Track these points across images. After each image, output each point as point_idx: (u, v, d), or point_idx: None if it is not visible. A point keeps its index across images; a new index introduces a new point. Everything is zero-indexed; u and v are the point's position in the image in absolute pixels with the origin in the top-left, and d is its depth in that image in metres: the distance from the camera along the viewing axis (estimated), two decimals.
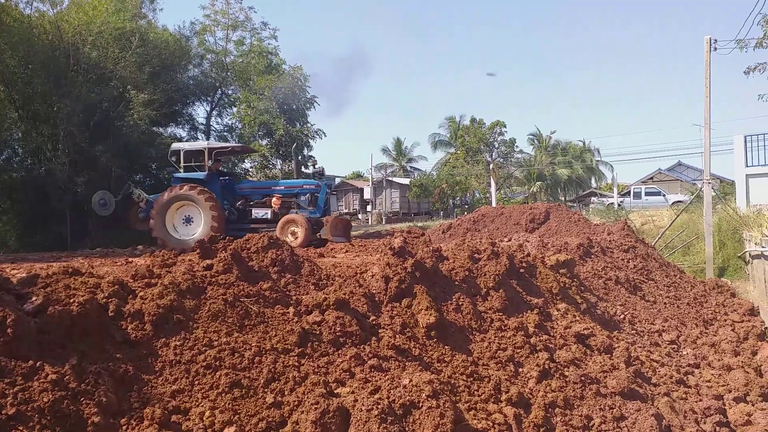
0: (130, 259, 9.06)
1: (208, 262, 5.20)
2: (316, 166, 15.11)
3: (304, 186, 14.85)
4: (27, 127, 20.04)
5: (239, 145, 14.59)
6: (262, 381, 3.95)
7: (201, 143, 15.26)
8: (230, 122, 29.01)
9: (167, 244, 13.31)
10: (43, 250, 14.88)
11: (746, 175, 19.92)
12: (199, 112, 29.04)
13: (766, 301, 11.99)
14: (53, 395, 3.16)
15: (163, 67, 23.46)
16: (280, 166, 26.70)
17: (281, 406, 3.82)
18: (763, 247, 12.13)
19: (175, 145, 15.33)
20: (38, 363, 3.31)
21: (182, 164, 14.79)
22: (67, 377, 3.31)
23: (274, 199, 14.36)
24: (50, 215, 19.47)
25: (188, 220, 13.81)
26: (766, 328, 9.11)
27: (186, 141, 14.60)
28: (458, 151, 49.17)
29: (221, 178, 15.18)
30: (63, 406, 3.16)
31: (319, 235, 13.32)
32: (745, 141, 20.05)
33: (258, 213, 14.50)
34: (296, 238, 13.06)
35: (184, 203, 13.74)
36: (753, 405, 6.18)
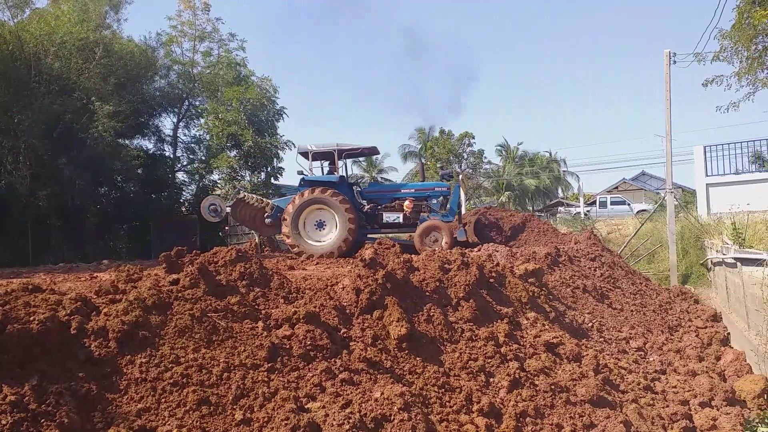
0: (94, 275, 8.81)
1: (175, 276, 5.11)
2: (446, 168, 14.44)
3: (436, 188, 14.33)
4: None
5: (368, 146, 13.96)
6: (230, 397, 3.89)
7: (330, 144, 14.51)
8: (198, 133, 28.66)
9: (302, 250, 12.81)
10: (3, 265, 14.39)
11: (706, 184, 20.49)
12: (166, 123, 28.50)
13: (728, 306, 12.32)
14: (12, 417, 3.05)
15: (129, 78, 23.06)
16: (249, 178, 26.36)
17: (251, 422, 3.75)
18: (723, 254, 12.46)
19: (303, 146, 14.51)
20: None
21: (311, 166, 14.15)
22: (27, 398, 3.20)
23: (406, 203, 13.89)
24: (11, 229, 18.89)
25: (320, 225, 13.21)
26: (728, 333, 9.36)
27: (316, 143, 13.72)
28: (428, 162, 49.53)
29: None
30: (22, 428, 3.06)
31: (456, 238, 12.55)
32: (705, 151, 20.64)
33: (389, 217, 13.97)
34: (444, 244, 12.41)
35: (318, 207, 13.17)
36: (718, 409, 6.32)
